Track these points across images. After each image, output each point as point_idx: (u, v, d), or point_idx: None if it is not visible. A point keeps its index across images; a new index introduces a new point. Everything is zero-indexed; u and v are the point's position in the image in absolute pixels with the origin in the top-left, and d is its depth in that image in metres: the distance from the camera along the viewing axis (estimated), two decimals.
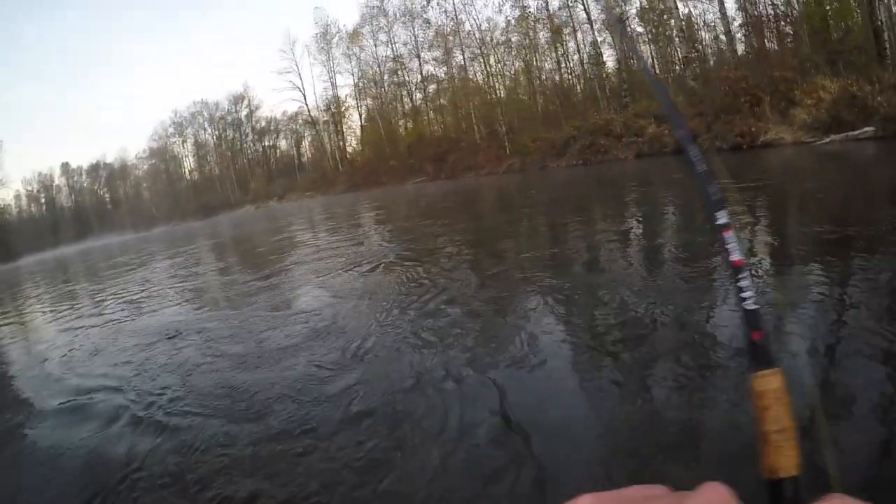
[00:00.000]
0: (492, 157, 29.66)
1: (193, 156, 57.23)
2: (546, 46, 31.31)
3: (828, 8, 17.04)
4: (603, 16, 27.94)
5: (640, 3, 27.07)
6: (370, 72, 41.67)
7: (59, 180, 63.56)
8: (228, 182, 52.90)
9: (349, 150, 45.45)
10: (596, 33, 28.48)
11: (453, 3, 34.36)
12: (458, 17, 34.60)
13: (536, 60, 31.61)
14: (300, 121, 49.33)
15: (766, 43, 20.47)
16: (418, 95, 39.72)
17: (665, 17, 25.90)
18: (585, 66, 29.40)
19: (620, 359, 2.72)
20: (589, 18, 28.24)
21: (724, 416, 2.02)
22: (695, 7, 25.09)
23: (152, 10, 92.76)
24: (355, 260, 6.98)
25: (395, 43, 39.24)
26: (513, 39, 32.71)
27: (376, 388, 2.84)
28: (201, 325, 4.99)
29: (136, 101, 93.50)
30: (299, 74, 53.92)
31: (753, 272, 3.60)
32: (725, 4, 23.19)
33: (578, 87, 30.49)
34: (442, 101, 37.92)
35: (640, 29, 27.16)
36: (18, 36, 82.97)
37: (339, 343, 3.65)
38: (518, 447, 2.06)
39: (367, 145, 42.43)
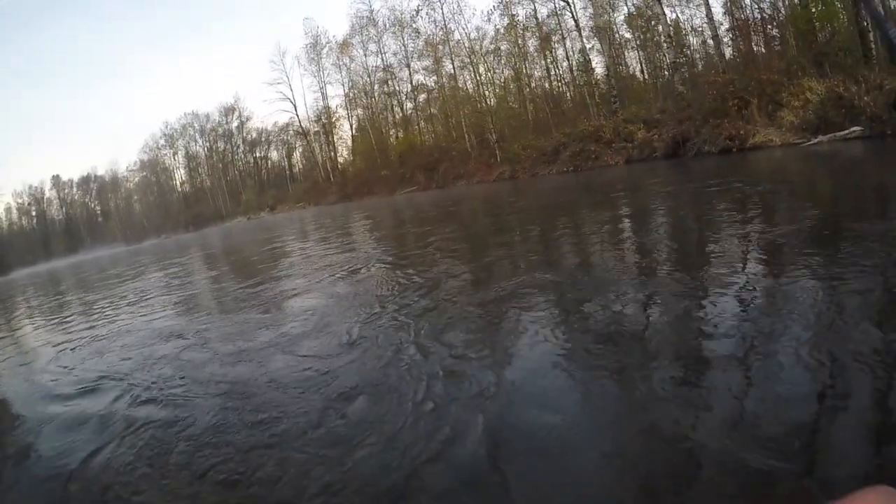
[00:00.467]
0: (483, 165, 29.56)
1: (184, 168, 57.06)
2: (535, 54, 31.37)
3: (814, 10, 17.05)
4: (591, 23, 28.05)
5: (628, 9, 27.19)
6: (360, 82, 41.69)
7: (49, 193, 63.14)
8: (220, 193, 52.63)
9: (340, 160, 45.38)
10: (584, 40, 28.54)
11: (442, 13, 34.42)
12: (448, 26, 34.61)
13: (526, 68, 31.63)
14: (291, 132, 49.31)
15: (754, 46, 20.49)
16: (409, 105, 39.73)
17: (653, 23, 25.96)
18: (575, 73, 29.41)
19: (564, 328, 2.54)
20: (577, 26, 28.29)
21: None
22: (682, 13, 25.16)
23: (144, 21, 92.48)
24: (343, 265, 7.22)
25: (384, 53, 39.27)
26: (502, 48, 32.75)
27: (358, 370, 3.07)
28: (196, 328, 5.17)
29: (127, 114, 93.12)
30: (290, 85, 54.09)
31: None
32: (712, 9, 23.26)
33: (568, 94, 30.49)
34: (432, 110, 37.89)
35: (627, 35, 27.28)
36: (6, 46, 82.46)
37: (328, 339, 3.85)
38: None
39: (358, 155, 42.36)
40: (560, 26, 29.49)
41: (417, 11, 35.54)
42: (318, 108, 45.43)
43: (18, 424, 3.57)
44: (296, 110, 47.46)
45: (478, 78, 34.02)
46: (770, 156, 12.85)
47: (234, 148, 52.96)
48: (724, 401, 1.93)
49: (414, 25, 36.38)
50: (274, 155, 52.91)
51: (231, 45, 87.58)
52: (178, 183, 58.35)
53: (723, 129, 16.26)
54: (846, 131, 11.56)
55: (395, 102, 40.26)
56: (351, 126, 44.51)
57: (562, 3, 28.42)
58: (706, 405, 1.93)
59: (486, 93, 33.93)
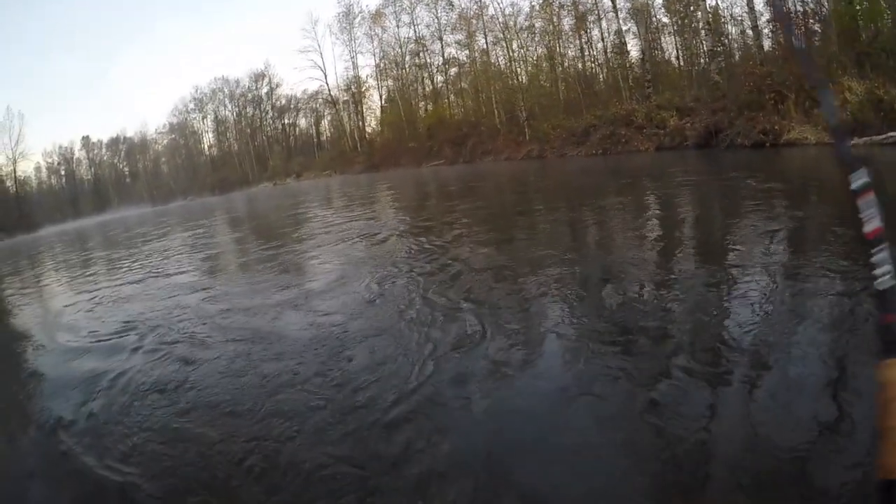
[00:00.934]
0: (511, 142, 29.85)
1: (213, 132, 57.64)
2: (570, 33, 31.23)
3: (858, 8, 17.00)
4: (628, 4, 27.85)
5: None
6: (392, 53, 41.76)
7: (79, 153, 63.94)
8: (247, 158, 53.39)
9: (368, 130, 45.77)
10: (621, 22, 28.41)
11: None
12: (482, 0, 34.53)
13: (559, 47, 31.54)
14: (320, 100, 49.56)
15: (794, 40, 20.32)
16: (439, 78, 39.84)
17: (692, 8, 25.76)
18: (609, 55, 29.37)
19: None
20: (614, 6, 28.15)
21: None
22: (722, 0, 24.96)
23: None
24: (367, 232, 8.01)
25: (417, 24, 39.26)
26: (536, 25, 32.65)
27: (363, 328, 3.88)
28: (220, 285, 5.97)
29: (158, 76, 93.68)
30: (321, 54, 53.97)
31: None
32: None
33: (601, 76, 30.44)
34: (463, 84, 38.00)
35: (665, 20, 27.11)
36: (41, 9, 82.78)
37: (345, 298, 4.69)
38: None
39: (387, 126, 42.64)
40: (596, 6, 29.33)
41: None
42: (348, 78, 45.76)
43: (58, 353, 4.57)
44: (326, 79, 47.90)
45: (510, 54, 34.06)
46: (804, 153, 13.18)
47: (263, 114, 53.46)
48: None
49: None
50: (302, 122, 53.40)
51: (263, 13, 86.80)
52: (205, 146, 59.14)
53: (757, 122, 16.48)
54: (883, 136, 11.78)
55: (425, 75, 40.39)
56: (380, 97, 44.79)
57: None
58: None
59: (518, 70, 33.99)
